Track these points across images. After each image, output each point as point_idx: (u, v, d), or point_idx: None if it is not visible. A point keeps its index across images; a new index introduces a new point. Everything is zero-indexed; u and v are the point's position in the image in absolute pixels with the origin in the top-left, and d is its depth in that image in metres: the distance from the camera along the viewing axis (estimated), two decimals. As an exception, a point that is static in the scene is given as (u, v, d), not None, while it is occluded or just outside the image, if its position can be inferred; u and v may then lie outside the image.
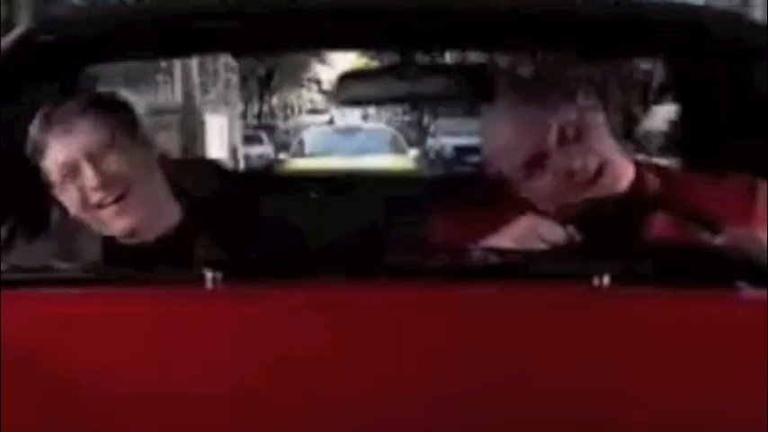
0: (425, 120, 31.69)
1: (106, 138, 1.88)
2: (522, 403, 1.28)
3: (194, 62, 17.87)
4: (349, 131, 17.17)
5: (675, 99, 2.62)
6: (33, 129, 1.92)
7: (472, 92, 2.51)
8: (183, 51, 2.98)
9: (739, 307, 1.54)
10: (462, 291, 1.53)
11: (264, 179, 2.88)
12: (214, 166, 2.28)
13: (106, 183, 1.86)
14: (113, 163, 1.87)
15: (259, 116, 35.75)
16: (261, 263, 1.68)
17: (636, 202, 1.86)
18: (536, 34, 2.34)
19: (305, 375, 1.33)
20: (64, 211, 1.93)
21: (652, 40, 2.22)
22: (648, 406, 1.27)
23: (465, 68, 2.69)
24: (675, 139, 2.67)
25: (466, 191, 2.05)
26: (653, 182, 1.92)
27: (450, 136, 24.17)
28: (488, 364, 1.35)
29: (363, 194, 2.56)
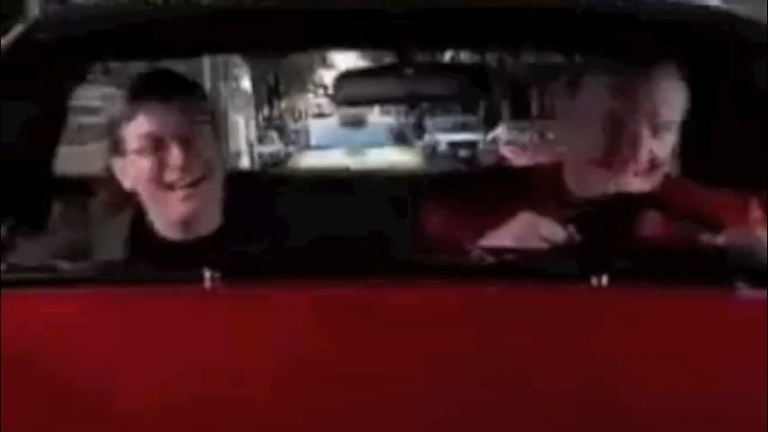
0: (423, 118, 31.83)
1: (196, 123, 1.90)
2: (521, 402, 1.28)
3: (221, 65, 18.24)
4: (355, 125, 17.10)
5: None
6: (123, 95, 1.92)
7: (471, 91, 2.52)
8: (187, 51, 2.98)
9: (738, 307, 1.55)
10: (461, 290, 1.53)
11: (263, 179, 2.88)
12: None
13: (188, 166, 1.87)
14: (198, 149, 1.89)
15: (269, 119, 36.17)
16: (260, 262, 1.67)
17: (635, 202, 1.86)
18: (535, 33, 2.34)
19: (304, 375, 1.33)
20: (73, 203, 1.94)
21: (651, 38, 2.22)
22: (647, 406, 1.27)
23: (464, 68, 2.69)
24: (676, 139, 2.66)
25: (465, 189, 2.05)
26: (653, 180, 1.92)
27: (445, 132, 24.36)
28: (487, 364, 1.35)
29: (363, 193, 2.56)
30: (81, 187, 2.09)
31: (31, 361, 1.37)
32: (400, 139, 16.87)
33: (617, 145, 1.87)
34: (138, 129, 1.88)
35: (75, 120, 2.68)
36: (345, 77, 2.52)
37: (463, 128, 25.94)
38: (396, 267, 1.62)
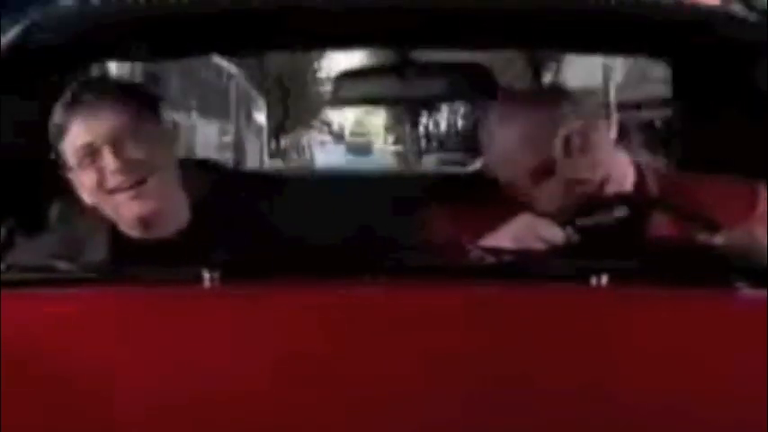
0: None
1: (129, 123, 1.88)
2: (520, 402, 1.28)
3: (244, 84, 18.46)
4: (360, 150, 17.06)
5: (674, 97, 2.62)
6: (57, 110, 1.92)
7: (470, 92, 2.52)
8: (185, 52, 2.98)
9: (738, 307, 1.55)
10: (460, 290, 1.53)
11: (263, 179, 2.88)
12: (214, 165, 2.28)
13: (125, 167, 1.86)
14: (134, 149, 1.87)
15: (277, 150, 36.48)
16: (259, 262, 1.67)
17: (635, 202, 1.86)
18: (534, 32, 2.34)
19: (303, 376, 1.33)
20: (71, 203, 1.94)
21: (651, 37, 2.22)
22: (648, 406, 1.27)
23: (463, 68, 2.69)
24: (675, 138, 2.67)
25: (464, 190, 2.05)
26: (652, 181, 1.93)
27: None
28: (486, 364, 1.35)
29: (363, 194, 2.56)
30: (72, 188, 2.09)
31: (31, 361, 1.37)
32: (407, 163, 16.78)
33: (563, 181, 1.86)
34: (72, 143, 1.88)
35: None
36: (344, 77, 2.52)
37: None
38: (396, 268, 1.62)
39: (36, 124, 2.16)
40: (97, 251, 1.88)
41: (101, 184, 1.87)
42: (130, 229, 1.91)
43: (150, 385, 1.32)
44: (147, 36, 2.21)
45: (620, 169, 1.90)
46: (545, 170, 1.86)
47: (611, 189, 1.87)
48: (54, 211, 1.98)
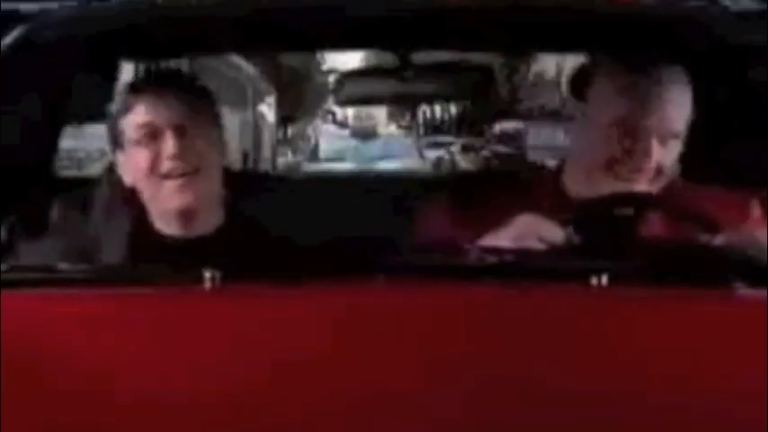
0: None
1: (191, 112, 1.90)
2: (519, 402, 1.28)
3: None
4: (366, 137, 16.85)
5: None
6: (122, 89, 1.96)
7: (469, 91, 2.52)
8: (187, 51, 2.98)
9: (738, 307, 1.55)
10: (460, 290, 1.53)
11: (265, 180, 2.88)
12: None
13: (182, 154, 1.87)
14: (193, 138, 1.89)
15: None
16: (259, 263, 1.67)
17: (635, 203, 1.86)
18: (534, 34, 2.34)
19: (304, 376, 1.33)
20: (73, 202, 1.94)
21: (653, 39, 2.22)
22: (646, 406, 1.27)
23: (463, 68, 2.69)
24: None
25: (464, 190, 2.05)
26: (653, 180, 1.92)
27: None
28: (486, 364, 1.35)
29: (363, 194, 2.57)
30: (81, 187, 2.09)
31: (31, 361, 1.37)
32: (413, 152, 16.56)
33: (626, 152, 1.86)
34: (134, 120, 1.89)
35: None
36: (345, 77, 2.52)
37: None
38: (396, 267, 1.62)
39: (37, 124, 2.17)
40: (101, 252, 1.88)
41: (154, 166, 1.88)
42: (166, 220, 1.91)
43: (151, 385, 1.32)
44: (148, 36, 2.21)
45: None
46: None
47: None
48: (55, 210, 1.98)
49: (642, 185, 1.86)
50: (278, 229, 1.93)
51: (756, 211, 1.87)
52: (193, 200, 1.88)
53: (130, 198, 1.92)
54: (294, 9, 2.01)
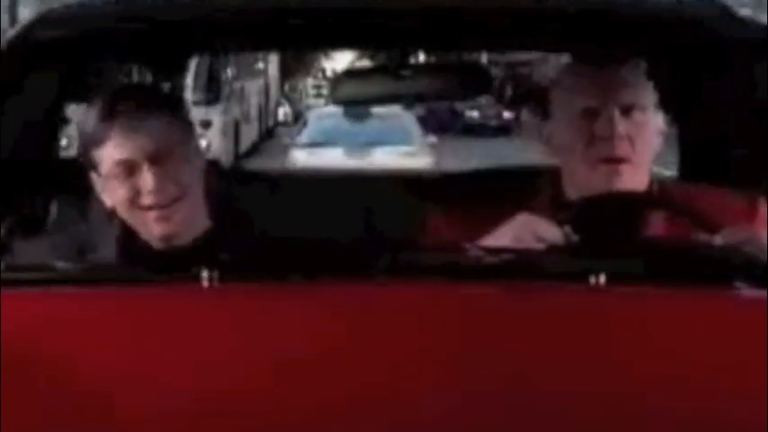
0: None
1: (170, 142, 1.85)
2: (520, 402, 1.28)
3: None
4: (359, 118, 16.41)
5: (674, 97, 2.62)
6: (93, 116, 1.88)
7: (468, 91, 2.51)
8: (186, 50, 2.98)
9: (738, 307, 1.55)
10: (460, 290, 1.53)
11: (263, 178, 2.88)
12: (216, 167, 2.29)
13: (162, 186, 1.83)
14: (172, 167, 1.84)
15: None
16: (258, 263, 1.67)
17: (634, 201, 1.86)
18: (531, 33, 2.34)
19: (303, 375, 1.33)
20: (73, 202, 1.92)
21: (649, 37, 2.22)
22: (646, 405, 1.27)
23: (460, 67, 2.69)
24: (674, 138, 2.66)
25: (464, 190, 2.05)
26: (652, 181, 1.93)
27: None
28: (486, 363, 1.35)
29: (363, 194, 2.56)
30: (81, 187, 2.09)
31: (31, 361, 1.37)
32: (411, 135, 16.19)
33: (594, 136, 1.89)
34: (111, 155, 1.84)
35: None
36: (342, 77, 2.52)
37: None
38: (396, 267, 1.62)
39: (37, 124, 2.17)
40: (100, 251, 1.88)
41: (134, 199, 1.84)
42: (152, 242, 1.88)
43: (150, 385, 1.32)
44: (148, 36, 2.21)
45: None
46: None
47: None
48: (55, 210, 1.98)
49: (624, 165, 1.87)
50: (272, 228, 1.93)
51: (757, 210, 1.87)
52: (176, 226, 1.85)
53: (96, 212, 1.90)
54: (294, 9, 2.02)
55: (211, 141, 15.28)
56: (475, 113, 29.43)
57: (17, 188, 2.04)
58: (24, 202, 2.00)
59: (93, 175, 1.89)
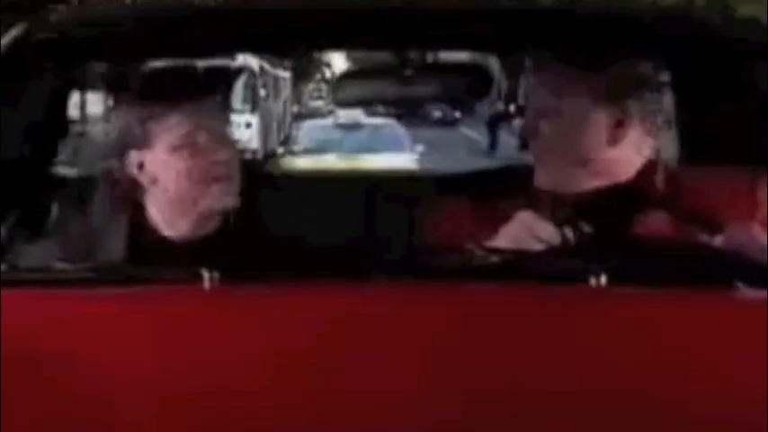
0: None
1: (224, 121, 1.99)
2: (518, 403, 1.28)
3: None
4: (351, 127, 16.63)
5: (674, 97, 2.62)
6: (150, 94, 1.95)
7: (469, 92, 2.51)
8: (185, 52, 2.97)
9: (738, 307, 1.55)
10: (459, 291, 1.53)
11: (262, 179, 2.88)
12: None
13: (229, 159, 1.92)
14: (231, 143, 1.96)
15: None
16: (258, 263, 1.67)
17: (634, 201, 1.86)
18: (531, 34, 2.34)
19: (303, 376, 1.33)
20: (73, 202, 1.94)
21: (650, 38, 2.22)
22: (647, 406, 1.27)
23: (461, 69, 2.69)
24: (674, 138, 2.66)
25: (464, 190, 2.05)
26: (652, 180, 1.93)
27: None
28: (485, 364, 1.35)
29: (363, 194, 2.56)
30: (81, 187, 2.09)
31: (31, 361, 1.37)
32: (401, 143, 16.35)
33: (592, 133, 1.90)
34: (175, 127, 1.91)
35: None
36: (344, 78, 2.52)
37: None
38: (395, 268, 1.62)
39: (37, 124, 2.17)
40: (100, 251, 1.88)
41: (203, 171, 1.90)
42: (180, 223, 1.92)
43: (150, 385, 1.32)
44: (147, 36, 2.21)
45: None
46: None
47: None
48: (55, 210, 1.98)
49: (619, 160, 1.89)
50: (276, 229, 1.93)
51: (756, 209, 1.87)
52: (235, 200, 1.92)
53: (129, 198, 1.92)
54: (294, 9, 2.02)
55: (252, 137, 19.41)
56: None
57: (17, 189, 2.04)
58: (24, 202, 2.00)
59: (142, 155, 1.91)
